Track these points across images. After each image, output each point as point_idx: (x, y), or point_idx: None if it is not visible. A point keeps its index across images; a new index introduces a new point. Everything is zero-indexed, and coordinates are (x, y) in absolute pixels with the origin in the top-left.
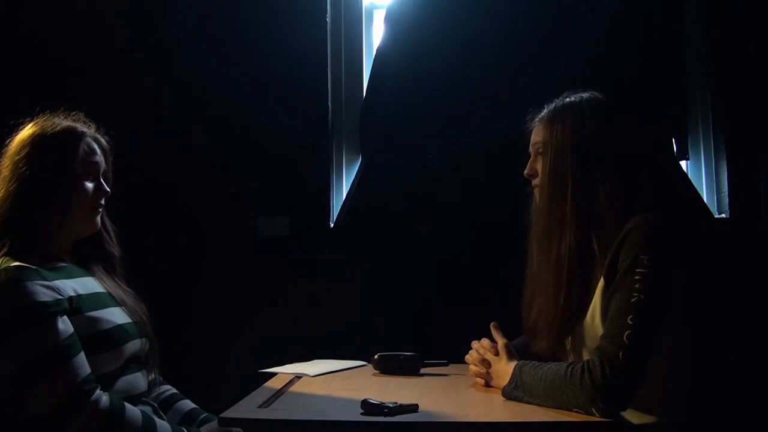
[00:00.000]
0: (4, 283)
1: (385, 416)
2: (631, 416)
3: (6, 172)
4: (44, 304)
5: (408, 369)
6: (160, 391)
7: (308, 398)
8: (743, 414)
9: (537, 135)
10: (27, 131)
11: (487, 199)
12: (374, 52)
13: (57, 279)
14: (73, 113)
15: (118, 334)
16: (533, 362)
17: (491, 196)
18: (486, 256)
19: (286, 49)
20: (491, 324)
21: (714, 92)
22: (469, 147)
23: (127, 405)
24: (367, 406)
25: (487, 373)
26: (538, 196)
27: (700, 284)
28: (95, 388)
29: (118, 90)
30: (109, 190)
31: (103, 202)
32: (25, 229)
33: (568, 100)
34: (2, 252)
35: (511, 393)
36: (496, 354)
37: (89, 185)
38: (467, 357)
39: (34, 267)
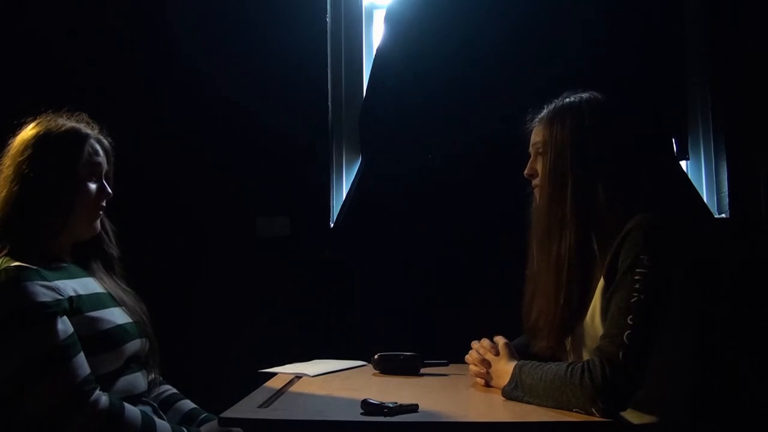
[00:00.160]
0: (4, 283)
1: (385, 416)
2: (631, 416)
3: (8, 172)
4: (44, 304)
5: (408, 369)
6: (160, 391)
7: (308, 398)
8: (743, 414)
9: (537, 135)
10: (30, 131)
11: (487, 199)
12: (374, 52)
13: (57, 279)
14: (77, 114)
15: (118, 334)
16: (533, 362)
17: (491, 196)
18: (486, 256)
19: (286, 49)
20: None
21: (714, 92)
22: (469, 147)
23: (127, 405)
24: (367, 406)
25: (487, 373)
26: (538, 196)
27: (700, 284)
28: (95, 389)
29: (118, 90)
30: (111, 191)
31: (104, 203)
32: (26, 229)
33: (567, 100)
34: (3, 252)
35: (511, 393)
36: (496, 354)
37: (92, 186)
38: (467, 357)
39: (34, 267)
